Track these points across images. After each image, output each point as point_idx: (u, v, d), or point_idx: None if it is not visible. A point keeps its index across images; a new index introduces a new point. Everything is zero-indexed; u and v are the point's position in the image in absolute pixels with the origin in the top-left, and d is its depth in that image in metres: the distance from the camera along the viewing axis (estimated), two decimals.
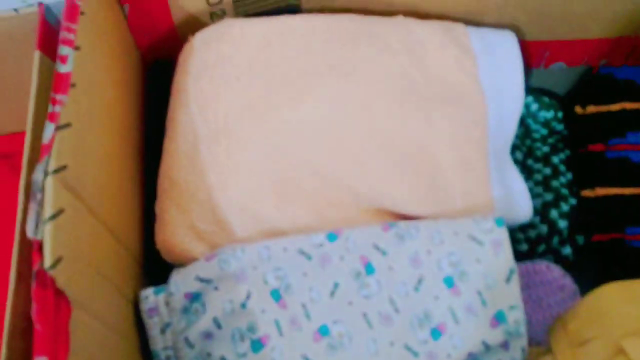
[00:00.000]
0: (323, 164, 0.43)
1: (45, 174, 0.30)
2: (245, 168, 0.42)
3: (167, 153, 0.43)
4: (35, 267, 0.28)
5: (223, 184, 0.41)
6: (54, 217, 0.29)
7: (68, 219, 0.30)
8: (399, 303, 0.41)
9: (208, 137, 0.42)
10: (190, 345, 0.39)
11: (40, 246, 0.28)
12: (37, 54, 0.38)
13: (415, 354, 0.40)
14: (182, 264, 0.42)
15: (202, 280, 0.39)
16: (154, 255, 0.44)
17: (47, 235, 0.28)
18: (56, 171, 0.30)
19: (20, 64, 0.47)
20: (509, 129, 0.48)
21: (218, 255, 0.39)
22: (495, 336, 0.40)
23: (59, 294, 0.28)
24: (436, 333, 0.40)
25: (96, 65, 0.38)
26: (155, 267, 0.44)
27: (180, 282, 0.39)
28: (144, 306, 0.40)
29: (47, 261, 0.28)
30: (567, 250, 0.52)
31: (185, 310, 0.39)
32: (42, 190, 0.29)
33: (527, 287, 0.50)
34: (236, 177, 0.42)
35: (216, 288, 0.39)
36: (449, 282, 0.41)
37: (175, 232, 0.42)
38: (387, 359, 0.39)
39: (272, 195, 0.42)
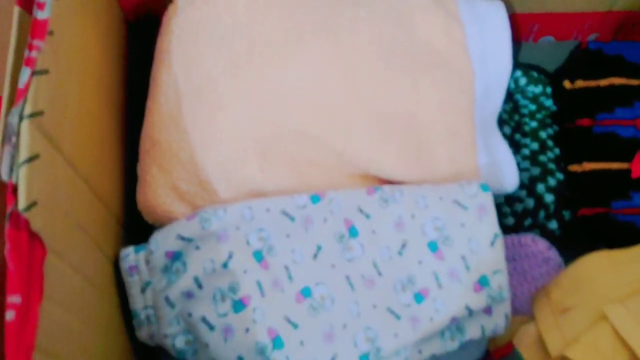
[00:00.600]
0: (307, 126, 0.42)
1: (21, 117, 0.29)
2: (229, 128, 0.41)
3: (150, 113, 0.43)
4: (9, 209, 0.27)
5: (205, 144, 0.41)
6: (29, 160, 0.28)
7: (44, 165, 0.30)
8: (382, 267, 0.40)
9: (191, 96, 0.42)
10: (171, 304, 0.38)
11: (14, 188, 0.28)
12: (16, 10, 0.37)
13: (398, 317, 0.39)
14: (163, 225, 0.41)
15: (183, 239, 0.38)
16: (136, 218, 0.43)
17: (22, 177, 0.28)
18: (32, 115, 0.29)
19: (2, 24, 0.46)
20: (496, 99, 0.48)
21: (200, 214, 0.39)
22: (478, 301, 0.40)
23: (33, 236, 0.27)
24: (419, 297, 0.40)
25: (76, 16, 0.37)
26: (138, 230, 0.44)
27: (161, 240, 0.39)
28: (124, 264, 0.39)
29: (21, 203, 0.27)
30: (553, 224, 0.52)
31: (166, 269, 0.39)
32: (17, 134, 0.29)
33: (512, 259, 0.50)
34: (219, 137, 0.41)
35: (197, 247, 0.39)
36: (433, 246, 0.41)
37: (157, 192, 0.41)
38: (370, 322, 0.39)
39: (256, 156, 0.41)
